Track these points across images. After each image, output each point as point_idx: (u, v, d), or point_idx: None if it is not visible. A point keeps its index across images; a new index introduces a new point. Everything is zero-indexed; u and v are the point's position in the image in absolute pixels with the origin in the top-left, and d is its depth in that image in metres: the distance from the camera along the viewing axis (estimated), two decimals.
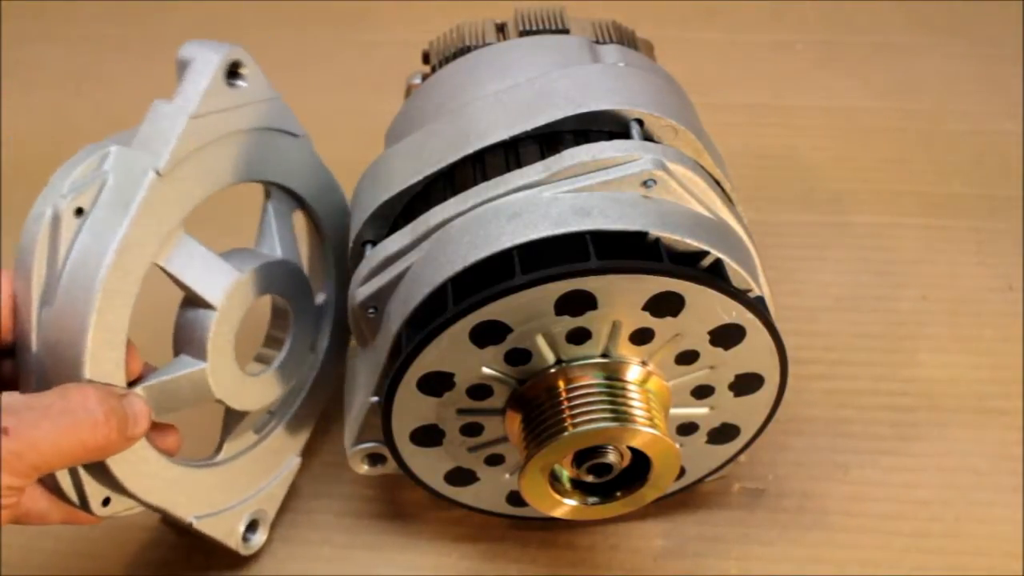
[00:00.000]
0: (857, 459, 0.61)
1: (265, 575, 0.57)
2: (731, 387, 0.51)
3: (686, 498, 0.58)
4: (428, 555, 0.58)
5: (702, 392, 0.51)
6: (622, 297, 0.45)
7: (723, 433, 0.53)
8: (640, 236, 0.45)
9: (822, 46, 0.92)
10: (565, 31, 0.58)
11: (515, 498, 0.55)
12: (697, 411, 0.52)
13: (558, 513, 0.50)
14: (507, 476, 0.54)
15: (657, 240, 0.45)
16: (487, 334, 0.46)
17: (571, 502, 0.50)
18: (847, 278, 0.71)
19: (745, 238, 0.50)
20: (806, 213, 0.76)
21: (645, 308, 0.46)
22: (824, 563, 0.56)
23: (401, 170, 0.52)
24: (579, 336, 0.47)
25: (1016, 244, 0.73)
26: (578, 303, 0.45)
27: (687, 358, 0.49)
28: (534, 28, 0.58)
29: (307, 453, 0.60)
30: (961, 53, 0.90)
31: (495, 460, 0.53)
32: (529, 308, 0.45)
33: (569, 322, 0.46)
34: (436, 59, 0.60)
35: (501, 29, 0.60)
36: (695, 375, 0.50)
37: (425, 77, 0.60)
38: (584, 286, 0.44)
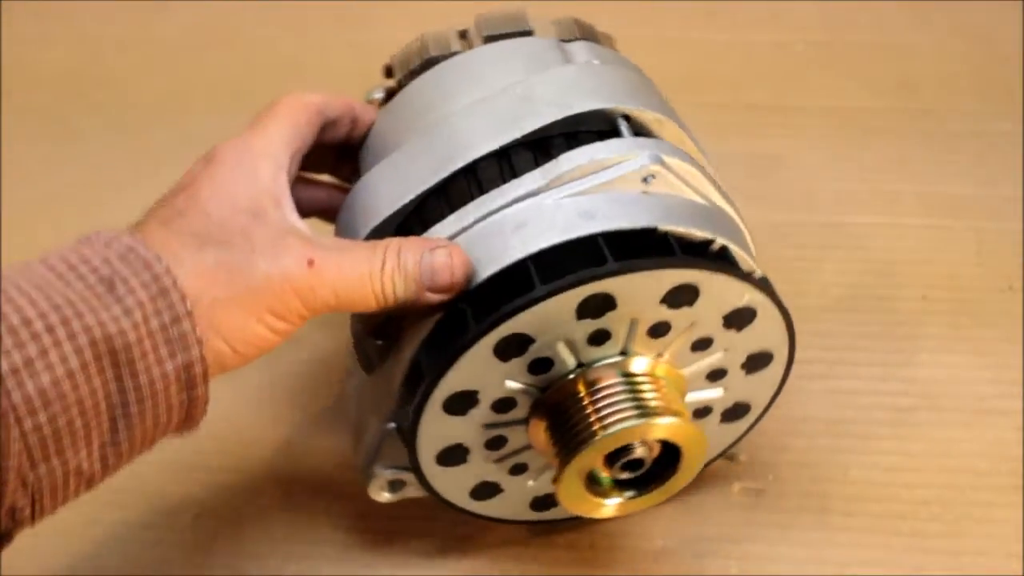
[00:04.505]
0: (857, 459, 0.61)
1: (265, 575, 0.57)
2: (743, 367, 0.51)
3: (686, 498, 0.58)
4: (428, 555, 0.58)
5: (716, 375, 0.51)
6: (641, 294, 0.45)
7: (735, 412, 0.54)
8: (647, 232, 0.45)
9: (822, 46, 0.92)
10: (529, 33, 0.56)
11: (539, 503, 0.55)
12: (711, 394, 0.52)
13: (601, 514, 0.51)
14: (530, 483, 0.53)
15: (666, 234, 0.46)
16: (510, 348, 0.46)
17: (612, 501, 0.50)
18: (847, 278, 0.71)
19: (737, 219, 0.51)
20: (806, 213, 0.76)
21: (663, 302, 0.46)
22: (824, 563, 0.56)
23: (387, 195, 0.50)
24: (599, 338, 0.47)
25: (1016, 244, 0.73)
26: (598, 305, 0.45)
27: (702, 345, 0.49)
28: (497, 33, 0.56)
29: (307, 453, 0.60)
30: (961, 53, 0.90)
31: (519, 469, 0.52)
32: (551, 317, 0.45)
33: (590, 325, 0.46)
34: (401, 72, 0.57)
35: (463, 36, 0.57)
36: (710, 360, 0.50)
37: (389, 91, 0.58)
38: (604, 288, 0.44)
